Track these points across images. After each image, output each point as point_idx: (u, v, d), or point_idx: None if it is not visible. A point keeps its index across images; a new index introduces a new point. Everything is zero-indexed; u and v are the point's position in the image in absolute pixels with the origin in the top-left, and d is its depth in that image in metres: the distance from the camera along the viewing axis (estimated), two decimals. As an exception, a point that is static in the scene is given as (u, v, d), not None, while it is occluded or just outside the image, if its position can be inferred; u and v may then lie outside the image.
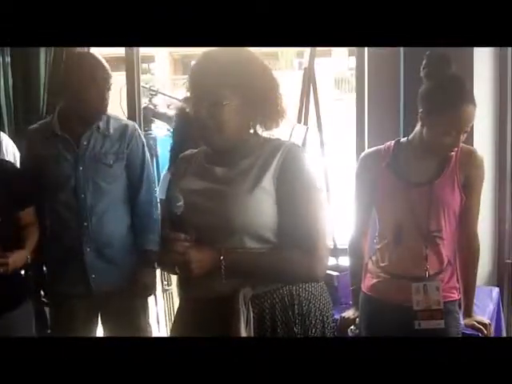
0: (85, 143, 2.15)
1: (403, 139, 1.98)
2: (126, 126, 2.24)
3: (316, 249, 1.41)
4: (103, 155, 2.16)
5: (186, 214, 1.37)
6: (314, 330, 1.48)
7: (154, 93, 3.81)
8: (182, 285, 1.54)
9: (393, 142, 1.98)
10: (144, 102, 3.60)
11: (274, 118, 1.50)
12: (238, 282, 1.40)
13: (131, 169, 2.24)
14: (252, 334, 1.40)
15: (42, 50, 2.86)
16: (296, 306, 1.45)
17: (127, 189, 2.25)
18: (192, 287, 1.46)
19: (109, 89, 2.12)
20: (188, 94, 1.47)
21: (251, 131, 1.50)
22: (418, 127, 1.90)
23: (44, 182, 2.16)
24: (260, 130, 1.52)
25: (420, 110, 1.85)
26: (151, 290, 2.33)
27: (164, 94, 4.03)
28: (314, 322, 1.48)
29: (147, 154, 2.31)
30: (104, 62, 2.12)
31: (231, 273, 1.37)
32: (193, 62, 1.47)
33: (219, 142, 1.46)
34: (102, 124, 2.17)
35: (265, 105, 1.46)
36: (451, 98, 1.78)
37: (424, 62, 1.87)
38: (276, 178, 1.42)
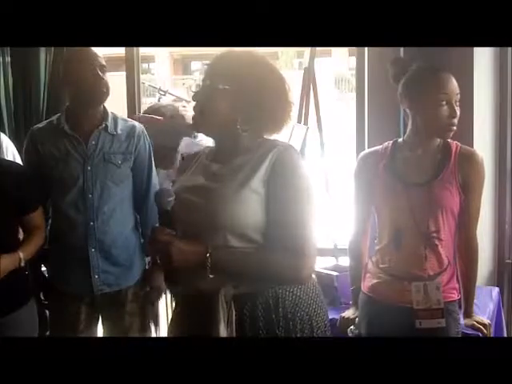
0: (93, 142, 2.14)
1: (400, 139, 1.98)
2: (134, 126, 2.24)
3: (303, 252, 1.39)
4: (112, 155, 2.15)
5: (174, 210, 1.39)
6: (299, 334, 1.45)
7: (163, 93, 3.81)
8: (166, 280, 1.57)
9: (390, 142, 1.98)
10: (150, 102, 3.62)
11: (278, 121, 1.50)
12: (220, 280, 1.39)
13: (138, 171, 2.23)
14: (233, 335, 1.40)
15: (42, 50, 2.86)
16: (280, 309, 1.43)
17: (133, 191, 2.24)
18: (175, 284, 1.48)
19: (104, 70, 2.10)
20: None
21: (238, 126, 1.46)
22: (409, 126, 1.93)
23: (52, 181, 2.15)
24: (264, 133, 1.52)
25: (404, 109, 1.91)
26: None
27: (172, 95, 4.04)
28: (299, 326, 1.46)
29: (152, 158, 2.31)
30: (92, 48, 2.11)
31: (216, 270, 1.37)
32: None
33: (199, 124, 1.49)
34: (109, 124, 2.17)
35: (264, 104, 1.46)
36: (423, 74, 1.84)
37: (390, 72, 1.94)
38: (266, 180, 1.41)
